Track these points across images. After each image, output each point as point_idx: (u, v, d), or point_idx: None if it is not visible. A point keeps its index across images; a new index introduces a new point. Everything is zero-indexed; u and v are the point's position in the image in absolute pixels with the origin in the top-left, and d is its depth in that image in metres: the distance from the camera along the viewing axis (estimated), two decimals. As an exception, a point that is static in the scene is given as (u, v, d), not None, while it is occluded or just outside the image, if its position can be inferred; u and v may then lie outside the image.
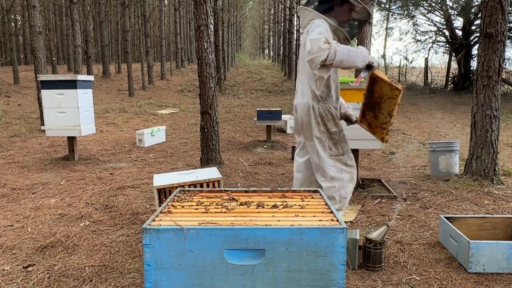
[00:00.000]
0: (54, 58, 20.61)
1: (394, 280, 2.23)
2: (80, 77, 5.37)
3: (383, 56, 22.68)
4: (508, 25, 8.67)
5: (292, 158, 5.81)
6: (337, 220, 1.76)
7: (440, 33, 17.79)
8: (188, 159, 5.81)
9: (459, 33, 16.54)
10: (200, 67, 5.10)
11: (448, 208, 3.46)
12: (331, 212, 1.91)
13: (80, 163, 5.52)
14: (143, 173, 4.92)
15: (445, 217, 2.66)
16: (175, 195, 2.24)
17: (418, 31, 18.35)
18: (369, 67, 2.44)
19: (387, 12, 19.38)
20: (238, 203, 2.08)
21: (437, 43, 18.39)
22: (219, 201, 2.12)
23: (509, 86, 15.33)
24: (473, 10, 15.07)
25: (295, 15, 19.05)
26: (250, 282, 1.66)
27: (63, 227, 3.09)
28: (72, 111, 5.35)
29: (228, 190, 2.33)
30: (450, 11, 16.36)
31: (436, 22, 17.63)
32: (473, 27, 15.75)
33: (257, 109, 7.16)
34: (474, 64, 15.49)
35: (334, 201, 2.63)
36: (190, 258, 1.65)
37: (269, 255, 1.65)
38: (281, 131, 8.75)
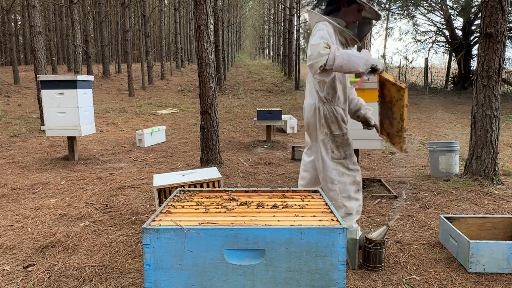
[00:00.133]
0: (54, 58, 20.61)
1: (394, 280, 2.23)
2: (80, 77, 5.37)
3: (383, 56, 22.69)
4: (508, 25, 8.67)
5: (292, 158, 5.82)
6: (337, 220, 1.76)
7: (440, 33, 17.80)
8: (188, 159, 5.81)
9: (459, 33, 16.55)
10: (200, 67, 5.10)
11: (448, 208, 3.46)
12: (331, 212, 1.91)
13: (80, 163, 5.52)
14: (143, 173, 4.92)
15: (445, 217, 2.66)
16: (175, 195, 2.24)
17: (418, 31, 18.35)
18: (373, 70, 2.38)
19: (387, 12, 19.38)
20: (238, 203, 2.08)
21: (437, 43, 18.40)
22: (219, 201, 2.12)
23: (509, 86, 15.33)
24: (473, 10, 15.07)
25: (295, 15, 19.05)
26: (250, 282, 1.66)
27: (63, 227, 3.09)
28: (72, 111, 5.35)
29: (228, 190, 2.33)
30: (450, 11, 16.36)
31: (436, 22, 17.64)
32: (473, 27, 15.75)
33: (257, 109, 7.16)
34: (474, 64, 15.49)
35: (337, 205, 2.59)
36: (190, 258, 1.65)
37: (269, 255, 1.65)
38: (281, 131, 8.75)
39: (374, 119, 2.81)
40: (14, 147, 6.80)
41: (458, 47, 16.11)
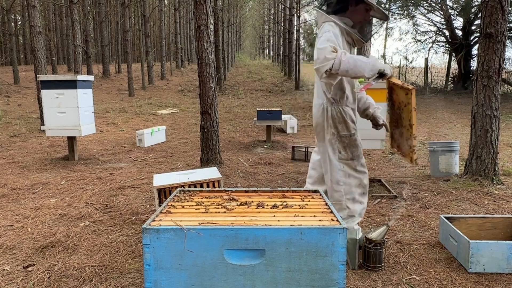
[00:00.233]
0: (54, 58, 20.62)
1: (394, 280, 2.23)
2: (80, 77, 5.37)
3: (383, 56, 22.69)
4: (508, 25, 8.66)
5: (292, 158, 5.82)
6: (337, 220, 1.76)
7: (440, 33, 17.80)
8: (188, 159, 5.81)
9: (459, 33, 16.54)
10: (200, 67, 5.10)
11: (448, 208, 3.46)
12: (331, 212, 1.91)
13: (80, 163, 5.52)
14: (143, 173, 4.92)
15: (445, 217, 2.66)
16: (175, 195, 2.24)
17: (418, 31, 18.34)
18: (381, 75, 2.34)
19: (387, 12, 19.36)
20: (238, 203, 2.08)
21: (437, 43, 18.39)
22: (219, 201, 2.12)
23: (509, 86, 15.33)
24: (473, 10, 15.07)
25: (295, 15, 19.05)
26: (250, 282, 1.66)
27: (63, 227, 3.10)
28: (72, 111, 5.35)
29: (228, 190, 2.33)
30: (450, 11, 16.36)
31: (436, 22, 17.63)
32: (473, 27, 15.75)
33: (257, 109, 7.16)
34: (474, 64, 15.48)
35: (341, 207, 2.57)
36: (190, 258, 1.65)
37: (269, 255, 1.65)
38: (281, 131, 8.75)
39: (383, 117, 2.80)
40: (14, 147, 6.80)
41: (458, 47, 16.10)
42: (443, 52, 19.27)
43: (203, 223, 1.74)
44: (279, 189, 2.34)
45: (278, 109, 7.13)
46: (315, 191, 2.33)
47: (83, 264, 2.45)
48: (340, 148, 2.54)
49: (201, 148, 5.26)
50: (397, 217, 3.22)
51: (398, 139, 2.65)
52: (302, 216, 1.85)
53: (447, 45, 17.74)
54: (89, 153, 6.28)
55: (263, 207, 2.00)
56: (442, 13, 16.64)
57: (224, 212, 1.93)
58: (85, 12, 20.27)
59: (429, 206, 3.52)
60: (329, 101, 2.53)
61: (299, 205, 2.03)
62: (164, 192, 2.87)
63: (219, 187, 2.94)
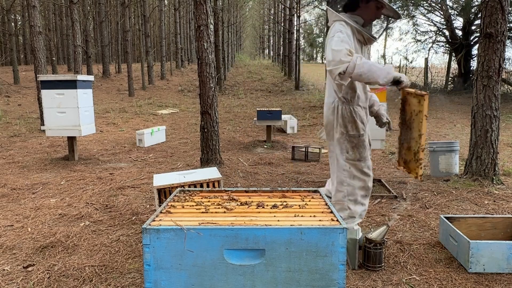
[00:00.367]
0: (54, 58, 20.62)
1: (394, 280, 2.23)
2: (80, 77, 5.37)
3: (383, 56, 22.68)
4: (508, 25, 8.66)
5: (292, 158, 5.82)
6: (337, 220, 1.76)
7: (440, 33, 17.78)
8: (188, 159, 5.81)
9: (459, 33, 16.53)
10: (200, 67, 5.10)
11: (448, 208, 3.46)
12: (331, 212, 1.91)
13: (80, 163, 5.52)
14: (143, 173, 4.92)
15: (445, 217, 2.66)
16: (175, 195, 2.24)
17: (418, 31, 18.33)
18: (396, 83, 2.31)
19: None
20: (238, 203, 2.08)
21: (437, 43, 18.37)
22: (219, 201, 2.12)
23: (509, 86, 15.33)
24: (473, 10, 15.06)
25: (295, 15, 19.04)
26: (250, 282, 1.66)
27: (63, 227, 3.09)
28: (72, 111, 5.35)
29: (228, 190, 2.33)
30: (450, 11, 16.35)
31: (436, 22, 17.62)
32: (473, 27, 15.74)
33: (257, 109, 7.16)
34: (474, 64, 15.47)
35: (342, 207, 2.57)
36: (190, 258, 1.65)
37: (269, 255, 1.65)
38: (281, 131, 8.75)
39: (387, 115, 2.80)
40: (14, 147, 6.80)
41: (458, 47, 16.10)
42: (443, 52, 19.26)
43: (203, 223, 1.74)
44: (279, 189, 2.34)
45: (278, 109, 7.13)
46: (315, 191, 2.33)
47: (83, 264, 2.45)
48: (348, 148, 2.53)
49: (201, 148, 5.26)
50: (397, 217, 3.22)
51: (405, 154, 2.63)
52: (302, 216, 1.85)
53: (447, 45, 17.73)
54: (89, 153, 6.28)
55: (263, 207, 2.00)
56: (442, 13, 16.64)
57: (224, 212, 1.93)
58: (85, 12, 20.27)
59: (429, 206, 3.52)
60: (340, 100, 2.52)
61: (299, 205, 2.03)
62: (164, 192, 2.87)
63: (219, 187, 2.94)
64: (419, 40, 18.78)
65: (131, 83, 15.59)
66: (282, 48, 27.57)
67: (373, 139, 3.90)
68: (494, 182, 4.06)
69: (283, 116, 8.45)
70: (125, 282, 2.24)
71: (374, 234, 2.37)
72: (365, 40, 2.53)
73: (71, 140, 5.65)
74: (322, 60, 42.37)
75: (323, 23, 31.44)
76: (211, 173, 3.10)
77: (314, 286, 1.66)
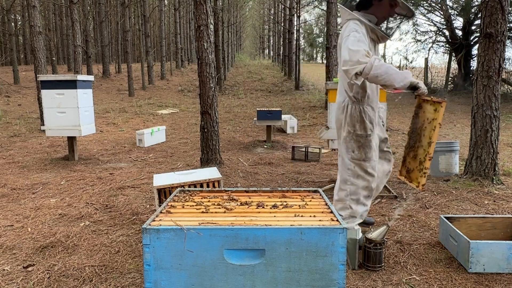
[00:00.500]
0: (54, 58, 20.61)
1: (394, 280, 2.23)
2: (80, 77, 5.37)
3: (383, 56, 22.68)
4: (508, 25, 8.66)
5: (292, 158, 5.82)
6: (337, 220, 1.76)
7: (440, 33, 17.78)
8: (188, 159, 5.81)
9: (459, 33, 16.53)
10: (200, 67, 5.10)
11: (448, 208, 3.46)
12: (331, 212, 1.91)
13: (80, 163, 5.52)
14: (143, 173, 4.92)
15: (445, 217, 2.66)
16: (175, 195, 2.24)
17: (418, 31, 18.32)
18: (413, 89, 2.29)
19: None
20: (238, 203, 2.08)
21: (437, 43, 18.37)
22: (219, 201, 2.12)
23: (509, 86, 15.32)
24: (473, 10, 15.05)
25: (295, 15, 19.04)
26: (250, 282, 1.66)
27: (63, 227, 3.09)
28: (72, 111, 5.35)
29: (228, 190, 2.33)
30: (450, 11, 16.34)
31: (436, 22, 17.61)
32: (473, 27, 15.74)
33: (257, 109, 7.16)
34: (474, 64, 15.47)
35: (344, 206, 2.57)
36: (190, 258, 1.65)
37: (269, 255, 1.65)
38: (281, 131, 8.75)
39: (384, 118, 2.80)
40: (14, 147, 6.79)
41: (458, 47, 16.09)
42: (443, 52, 19.25)
43: (203, 223, 1.74)
44: (279, 189, 2.34)
45: (278, 109, 7.13)
46: (315, 191, 2.33)
47: (83, 264, 2.45)
48: (355, 148, 2.53)
49: (201, 148, 5.26)
50: (397, 217, 3.22)
51: (409, 163, 2.61)
52: (302, 216, 1.85)
53: (447, 45, 17.73)
54: (89, 153, 6.28)
55: (263, 207, 2.00)
56: (442, 13, 16.63)
57: (224, 212, 1.93)
58: (85, 12, 20.27)
59: (429, 206, 3.52)
60: (351, 100, 2.52)
61: (299, 205, 2.03)
62: (164, 192, 2.87)
63: (219, 187, 2.94)
64: (419, 40, 18.78)
65: (131, 83, 15.59)
66: (282, 48, 27.56)
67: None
68: (494, 182, 4.06)
69: (283, 116, 8.45)
70: (125, 282, 2.24)
71: (374, 234, 2.37)
72: (378, 38, 2.52)
73: (71, 140, 5.65)
74: (322, 60, 42.37)
75: (323, 23, 31.43)
76: (211, 173, 3.10)
77: (314, 286, 1.66)
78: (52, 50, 24.81)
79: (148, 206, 3.63)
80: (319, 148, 5.77)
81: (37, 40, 8.58)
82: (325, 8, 14.80)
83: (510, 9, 4.81)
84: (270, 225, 1.69)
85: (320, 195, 2.24)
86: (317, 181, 4.49)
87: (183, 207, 2.03)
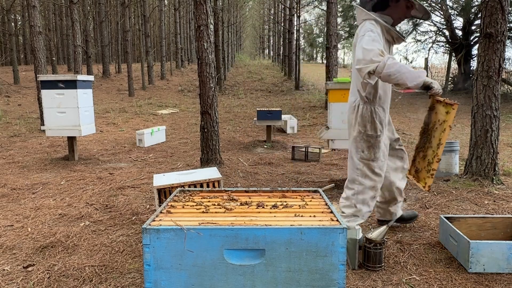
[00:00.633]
0: (54, 58, 20.62)
1: (394, 280, 2.23)
2: (80, 77, 5.37)
3: (383, 56, 22.63)
4: (508, 25, 8.66)
5: (292, 158, 5.82)
6: (337, 220, 1.76)
7: (440, 33, 17.78)
8: (188, 159, 5.81)
9: (459, 33, 16.53)
10: (200, 67, 5.10)
11: (448, 208, 3.46)
12: (331, 212, 1.91)
13: (80, 163, 5.52)
14: (143, 173, 4.92)
15: (445, 217, 2.66)
16: (175, 195, 2.24)
17: (418, 31, 18.32)
18: (426, 89, 2.28)
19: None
20: (238, 203, 2.08)
21: (437, 43, 18.37)
22: (219, 201, 2.12)
23: (509, 86, 15.32)
24: (473, 10, 15.05)
25: (295, 15, 19.04)
26: (250, 282, 1.66)
27: (63, 227, 3.09)
28: (72, 111, 5.35)
29: (228, 190, 2.33)
30: (450, 11, 16.34)
31: (436, 22, 17.61)
32: (473, 27, 15.74)
33: (257, 109, 7.16)
34: (474, 64, 15.47)
35: (350, 204, 2.58)
36: (190, 258, 1.65)
37: (269, 255, 1.65)
38: (281, 131, 8.75)
39: None
40: (14, 147, 6.80)
41: (458, 47, 16.09)
42: (443, 52, 19.26)
43: (203, 223, 1.74)
44: (279, 189, 2.34)
45: (278, 109, 7.13)
46: (315, 191, 2.33)
47: (83, 264, 2.45)
48: (364, 148, 2.55)
49: (201, 148, 5.26)
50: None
51: (418, 163, 2.61)
52: (302, 216, 1.85)
53: (447, 45, 17.73)
54: (89, 153, 6.28)
55: (263, 207, 2.00)
56: (442, 13, 16.63)
57: (224, 212, 1.93)
58: (85, 12, 20.27)
59: (429, 206, 3.52)
60: (362, 100, 2.54)
61: (299, 205, 2.03)
62: (164, 192, 2.87)
63: (219, 187, 2.94)
64: (419, 40, 18.77)
65: (131, 83, 15.59)
66: (282, 48, 27.56)
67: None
68: (494, 182, 4.06)
69: (283, 116, 8.45)
70: (125, 282, 2.24)
71: (374, 234, 2.37)
72: (393, 39, 2.54)
73: (71, 140, 5.65)
74: (322, 60, 42.37)
75: (323, 23, 31.43)
76: (211, 173, 3.10)
77: (314, 286, 1.66)
78: (52, 50, 24.81)
79: (148, 206, 3.63)
80: (319, 148, 5.77)
81: (37, 40, 8.58)
82: (325, 8, 14.80)
83: (510, 9, 4.81)
84: (270, 225, 1.69)
85: (320, 195, 2.24)
86: (317, 181, 4.49)
87: (183, 207, 2.03)
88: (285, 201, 2.11)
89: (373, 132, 2.53)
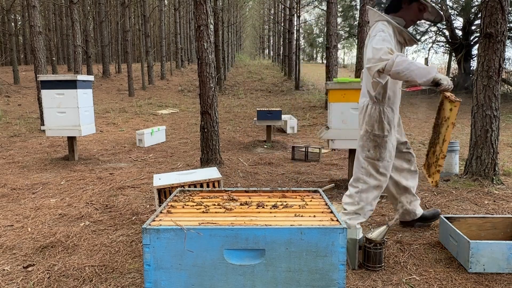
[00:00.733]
0: (54, 58, 20.62)
1: (394, 280, 2.23)
2: (80, 77, 5.37)
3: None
4: (508, 25, 8.66)
5: (292, 158, 5.82)
6: (337, 220, 1.76)
7: (440, 33, 17.78)
8: (188, 159, 5.81)
9: (459, 33, 16.53)
10: (200, 67, 5.10)
11: (448, 208, 3.46)
12: (331, 212, 1.91)
13: (80, 163, 5.52)
14: (143, 173, 4.92)
15: (445, 217, 2.66)
16: (175, 195, 2.24)
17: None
18: (436, 85, 2.26)
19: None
20: (238, 203, 2.08)
21: (437, 43, 18.37)
22: (219, 201, 2.12)
23: (509, 86, 15.33)
24: (473, 10, 15.06)
25: (295, 15, 19.05)
26: (250, 282, 1.66)
27: (63, 227, 3.09)
28: (72, 111, 5.35)
29: (228, 190, 2.33)
30: (450, 11, 16.34)
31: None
32: (473, 27, 15.74)
33: (257, 109, 7.16)
34: (474, 64, 15.47)
35: (353, 202, 2.60)
36: (190, 258, 1.65)
37: (269, 255, 1.65)
38: (281, 131, 8.75)
39: None
40: (14, 147, 6.80)
41: (458, 47, 16.10)
42: (443, 52, 19.28)
43: (203, 223, 1.74)
44: (279, 189, 2.34)
45: (278, 109, 7.13)
46: (315, 191, 2.33)
47: (83, 264, 2.45)
48: (370, 147, 2.57)
49: (201, 148, 5.26)
50: (397, 217, 3.21)
51: (430, 158, 2.62)
52: (302, 216, 1.85)
53: (447, 45, 17.73)
54: (89, 153, 6.28)
55: (263, 207, 2.00)
56: (442, 13, 16.62)
57: (224, 212, 1.93)
58: (85, 12, 20.28)
59: (429, 206, 3.52)
60: (372, 100, 2.55)
61: (299, 205, 2.03)
62: (164, 192, 2.87)
63: (219, 187, 2.94)
64: (419, 40, 18.77)
65: (131, 83, 15.59)
66: (282, 48, 27.57)
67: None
68: (494, 182, 4.06)
69: (283, 116, 8.45)
70: (125, 282, 2.24)
71: (374, 234, 2.37)
72: (406, 41, 2.55)
73: (71, 140, 5.65)
74: (322, 60, 42.38)
75: (323, 23, 31.43)
76: (211, 173, 3.10)
77: (314, 286, 1.66)
78: (52, 50, 24.81)
79: (148, 206, 3.63)
80: (319, 148, 5.77)
81: (37, 40, 8.58)
82: (325, 8, 14.80)
83: (510, 9, 4.81)
84: (270, 225, 1.69)
85: (320, 195, 2.24)
86: (317, 181, 4.49)
87: (183, 207, 2.03)
88: (285, 201, 2.11)
89: (380, 132, 2.54)
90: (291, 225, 1.69)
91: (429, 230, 2.95)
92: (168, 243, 1.64)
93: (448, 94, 2.38)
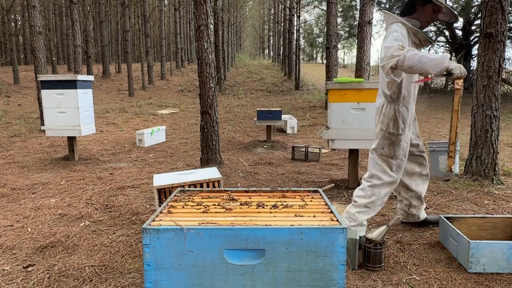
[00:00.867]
0: (54, 58, 20.62)
1: (394, 280, 2.23)
2: (80, 77, 5.37)
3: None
4: (508, 25, 8.66)
5: (292, 158, 5.82)
6: (337, 220, 1.76)
7: (440, 33, 17.79)
8: (188, 159, 5.81)
9: (459, 33, 16.54)
10: (200, 67, 5.10)
11: (448, 208, 3.46)
12: (331, 212, 1.91)
13: (80, 163, 5.52)
14: (143, 173, 4.92)
15: (445, 217, 2.66)
16: (175, 195, 2.24)
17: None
18: (449, 74, 2.26)
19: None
20: (238, 203, 2.08)
21: (437, 43, 18.38)
22: (219, 201, 2.12)
23: (509, 86, 15.33)
24: (473, 10, 15.06)
25: (295, 15, 19.04)
26: (250, 282, 1.66)
27: (63, 227, 3.09)
28: (72, 111, 5.35)
29: (228, 190, 2.33)
30: (450, 11, 16.33)
31: (436, 22, 17.62)
32: (473, 27, 15.75)
33: (257, 109, 7.16)
34: (474, 64, 15.47)
35: (364, 195, 2.63)
36: (190, 258, 1.65)
37: (269, 255, 1.65)
38: (281, 131, 8.75)
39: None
40: (14, 147, 6.80)
41: (458, 47, 16.10)
42: (443, 52, 19.26)
43: (203, 223, 1.74)
44: (279, 189, 2.34)
45: (278, 109, 7.13)
46: (315, 191, 2.33)
47: (83, 264, 2.45)
48: (385, 145, 2.61)
49: (201, 148, 5.26)
50: (397, 217, 3.21)
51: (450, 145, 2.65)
52: (302, 216, 1.85)
53: (447, 45, 17.73)
54: (89, 153, 6.28)
55: (263, 207, 2.00)
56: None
57: (224, 212, 1.93)
58: (85, 12, 20.28)
59: (429, 206, 3.52)
60: (387, 99, 2.59)
61: (299, 205, 2.03)
62: (164, 192, 2.87)
63: (219, 187, 2.94)
64: (419, 40, 18.73)
65: (131, 83, 15.59)
66: (282, 48, 27.57)
67: (372, 139, 3.91)
68: (494, 182, 4.06)
69: (283, 116, 8.45)
70: (125, 282, 2.24)
71: (374, 234, 2.37)
72: (421, 42, 2.58)
73: (71, 140, 5.65)
74: (322, 60, 42.38)
75: (323, 23, 31.43)
76: (211, 173, 3.10)
77: (314, 286, 1.66)
78: (52, 50, 24.81)
79: (148, 206, 3.63)
80: (319, 148, 5.77)
81: (37, 40, 8.58)
82: (325, 8, 14.79)
83: (510, 9, 4.80)
84: (270, 225, 1.69)
85: (320, 195, 2.24)
86: (317, 181, 4.49)
87: (183, 207, 2.03)
88: (285, 201, 2.11)
89: (395, 130, 2.58)
90: (291, 225, 1.69)
91: (429, 230, 2.95)
92: (168, 243, 1.64)
93: (459, 82, 2.39)
